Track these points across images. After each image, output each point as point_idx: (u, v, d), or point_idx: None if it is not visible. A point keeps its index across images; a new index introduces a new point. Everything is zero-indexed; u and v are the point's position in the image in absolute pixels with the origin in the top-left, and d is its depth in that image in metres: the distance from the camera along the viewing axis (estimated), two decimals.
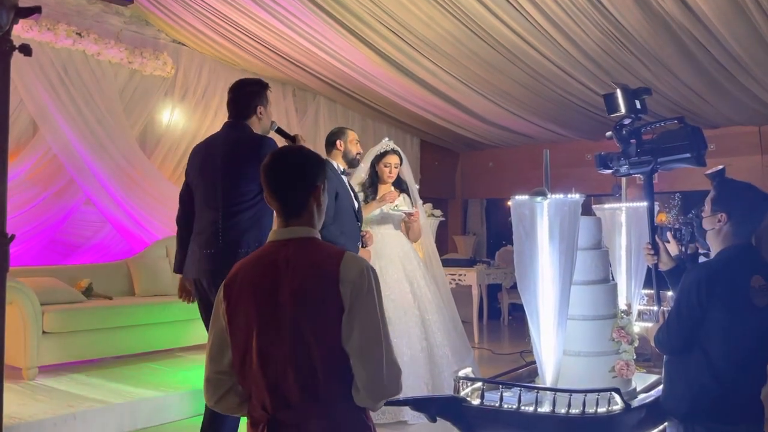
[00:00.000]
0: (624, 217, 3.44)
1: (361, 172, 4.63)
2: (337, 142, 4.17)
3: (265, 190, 1.78)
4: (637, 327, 3.17)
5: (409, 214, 4.42)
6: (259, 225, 3.01)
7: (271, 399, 1.65)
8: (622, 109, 3.00)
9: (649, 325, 3.12)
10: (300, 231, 1.74)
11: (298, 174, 1.76)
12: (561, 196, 2.80)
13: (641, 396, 2.91)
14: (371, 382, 1.64)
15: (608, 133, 3.11)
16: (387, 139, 4.75)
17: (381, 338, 1.66)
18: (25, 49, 1.69)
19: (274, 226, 1.79)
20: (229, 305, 1.72)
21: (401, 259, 4.56)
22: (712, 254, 2.62)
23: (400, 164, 4.56)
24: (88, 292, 5.32)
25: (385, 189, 4.59)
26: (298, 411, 1.64)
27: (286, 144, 2.06)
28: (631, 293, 3.40)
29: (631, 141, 3.01)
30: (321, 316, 1.64)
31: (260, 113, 3.16)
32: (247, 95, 3.18)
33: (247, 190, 3.00)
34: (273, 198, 1.77)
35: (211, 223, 3.04)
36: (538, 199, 2.79)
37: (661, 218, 6.81)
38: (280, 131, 3.29)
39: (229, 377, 1.75)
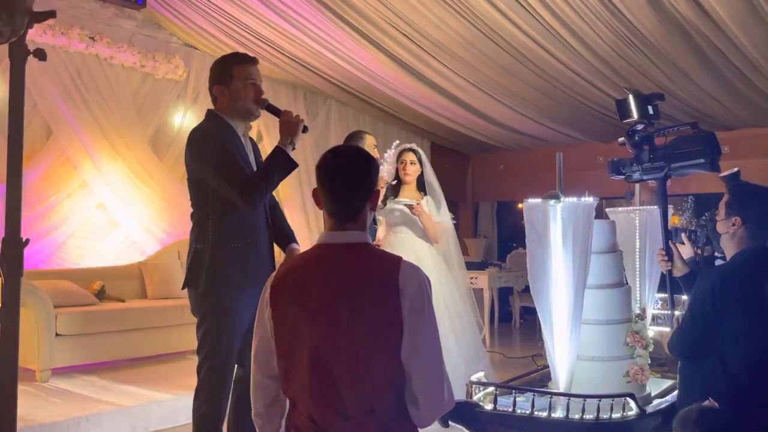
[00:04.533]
0: (638, 220, 3.41)
1: (383, 172, 4.58)
2: None
3: (321, 190, 1.68)
4: (652, 331, 3.14)
5: (410, 206, 4.37)
6: (207, 220, 2.86)
7: (321, 410, 1.57)
8: (635, 115, 2.98)
9: (664, 329, 3.10)
10: (355, 236, 1.67)
11: (361, 177, 1.69)
12: (574, 199, 2.78)
13: (656, 401, 2.88)
14: (434, 399, 1.59)
15: (620, 139, 3.07)
16: (397, 141, 4.75)
17: (441, 354, 1.61)
18: (40, 54, 1.68)
19: (326, 228, 1.70)
20: (276, 309, 1.64)
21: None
22: (727, 258, 2.59)
23: (419, 163, 4.51)
24: (101, 295, 5.35)
25: (407, 189, 4.54)
26: (354, 424, 1.56)
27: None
28: (645, 297, 3.37)
29: (644, 147, 2.97)
30: (379, 327, 1.57)
31: (218, 93, 2.83)
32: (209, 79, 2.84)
33: (193, 185, 2.90)
34: (330, 199, 1.67)
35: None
36: (552, 202, 2.77)
37: (674, 221, 6.75)
38: (269, 108, 2.92)
39: (277, 382, 1.68)
